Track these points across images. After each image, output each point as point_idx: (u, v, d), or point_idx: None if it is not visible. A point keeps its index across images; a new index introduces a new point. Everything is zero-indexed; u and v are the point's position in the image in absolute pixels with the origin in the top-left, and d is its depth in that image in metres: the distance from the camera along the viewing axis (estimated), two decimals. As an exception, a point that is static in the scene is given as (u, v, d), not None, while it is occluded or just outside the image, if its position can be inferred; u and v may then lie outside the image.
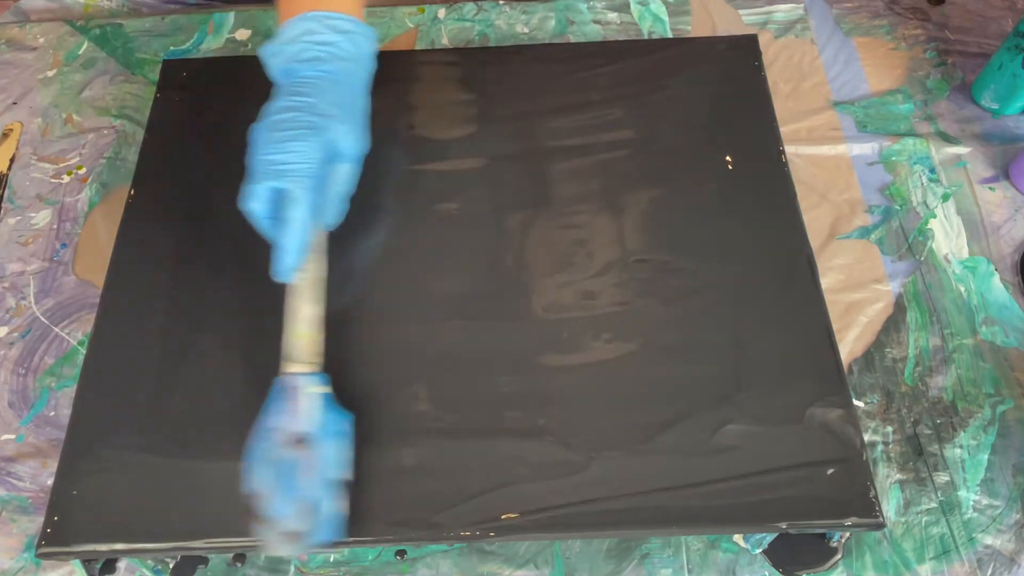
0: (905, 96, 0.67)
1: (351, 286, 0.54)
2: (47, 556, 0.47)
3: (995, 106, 0.65)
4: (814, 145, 0.64)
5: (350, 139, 0.48)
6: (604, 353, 0.51)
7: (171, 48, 0.72)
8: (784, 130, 0.62)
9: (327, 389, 0.46)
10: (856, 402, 0.53)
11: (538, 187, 0.58)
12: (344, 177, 0.49)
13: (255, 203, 0.46)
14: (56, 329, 0.58)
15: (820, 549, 0.49)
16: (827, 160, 0.64)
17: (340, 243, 0.54)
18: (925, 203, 0.61)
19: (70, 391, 0.55)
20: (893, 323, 0.57)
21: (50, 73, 0.71)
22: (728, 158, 0.59)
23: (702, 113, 0.61)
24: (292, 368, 0.46)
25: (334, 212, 0.49)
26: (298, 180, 0.45)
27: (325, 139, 0.46)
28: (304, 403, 0.44)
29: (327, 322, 0.49)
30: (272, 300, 0.54)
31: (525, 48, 0.66)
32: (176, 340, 0.53)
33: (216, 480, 0.48)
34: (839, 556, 0.49)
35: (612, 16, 0.72)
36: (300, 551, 0.45)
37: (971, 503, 0.50)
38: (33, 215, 0.63)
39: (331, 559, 0.50)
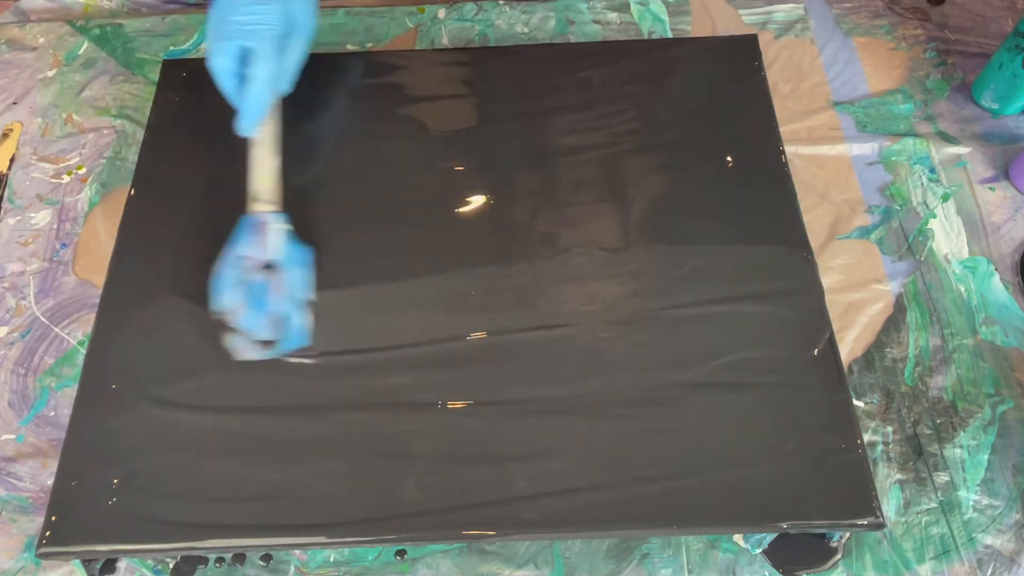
0: (905, 96, 0.67)
1: (359, 281, 0.54)
2: (47, 556, 0.47)
3: (995, 106, 0.65)
4: (814, 145, 0.64)
5: (307, 12, 0.52)
6: (604, 353, 0.51)
7: (171, 48, 0.72)
8: (784, 130, 0.62)
9: (289, 227, 0.52)
10: (856, 402, 0.53)
11: (538, 186, 0.58)
12: (299, 47, 0.52)
13: (223, 59, 0.50)
14: (56, 329, 0.58)
15: (820, 549, 0.49)
16: (827, 160, 0.64)
17: (348, 241, 0.54)
18: (925, 203, 0.61)
19: (70, 391, 0.55)
20: (893, 323, 0.57)
21: (50, 73, 0.71)
22: (728, 158, 0.59)
23: (702, 113, 0.61)
24: (259, 207, 0.52)
25: (288, 79, 0.53)
26: (265, 40, 0.49)
27: (286, 8, 0.50)
28: (272, 236, 0.51)
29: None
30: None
31: (525, 48, 0.66)
32: (176, 339, 0.53)
33: (216, 480, 0.48)
34: (839, 556, 0.49)
35: (612, 16, 0.72)
36: (269, 356, 0.51)
37: (971, 503, 0.50)
38: (33, 215, 0.63)
39: (331, 559, 0.50)
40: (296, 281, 0.52)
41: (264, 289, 0.50)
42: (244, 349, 0.50)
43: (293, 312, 0.51)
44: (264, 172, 0.52)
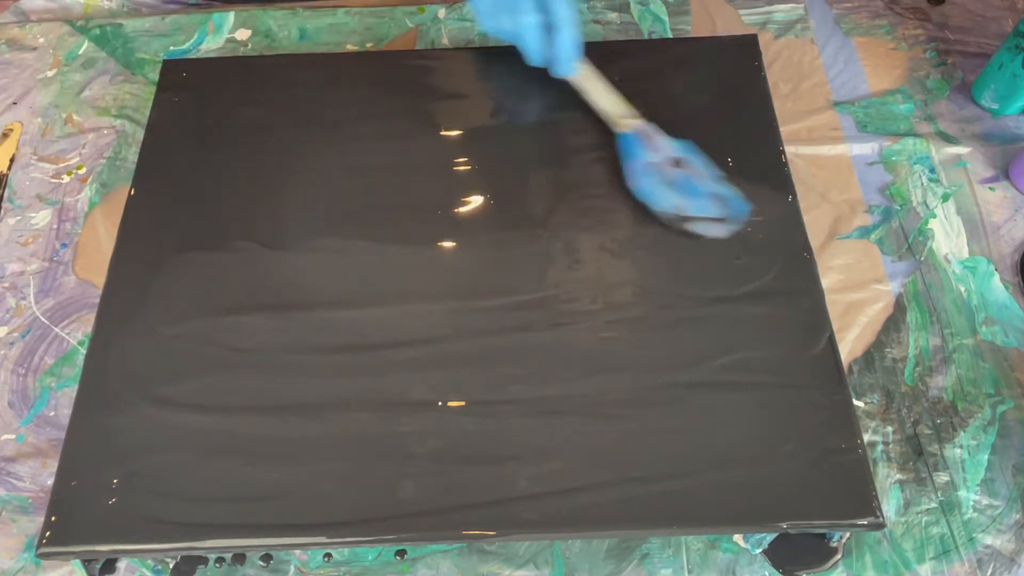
0: (905, 96, 0.67)
1: (359, 281, 0.54)
2: (47, 556, 0.47)
3: (995, 106, 0.65)
4: (814, 145, 0.64)
5: None
6: (604, 353, 0.51)
7: (171, 48, 0.72)
8: (784, 130, 0.62)
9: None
10: (856, 402, 0.53)
11: (538, 186, 0.58)
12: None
13: (527, 16, 0.54)
14: (56, 329, 0.58)
15: (820, 549, 0.49)
16: (827, 160, 0.64)
17: (348, 234, 0.54)
18: (925, 203, 0.61)
19: (70, 391, 0.55)
20: (893, 323, 0.57)
21: (50, 73, 0.71)
22: (728, 158, 0.59)
23: (702, 113, 0.61)
24: (628, 122, 0.57)
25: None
26: None
27: None
28: (662, 137, 0.56)
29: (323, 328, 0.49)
30: (272, 299, 0.54)
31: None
32: (176, 339, 0.53)
33: (216, 480, 0.48)
34: (839, 556, 0.49)
35: (612, 16, 0.72)
36: (730, 230, 0.55)
37: (971, 503, 0.50)
38: (33, 215, 0.63)
39: (331, 559, 0.50)
40: (703, 161, 0.56)
41: (686, 179, 0.55)
42: (712, 230, 0.54)
43: (722, 185, 0.56)
44: (611, 97, 0.58)
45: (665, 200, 0.55)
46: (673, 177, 0.55)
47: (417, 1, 0.74)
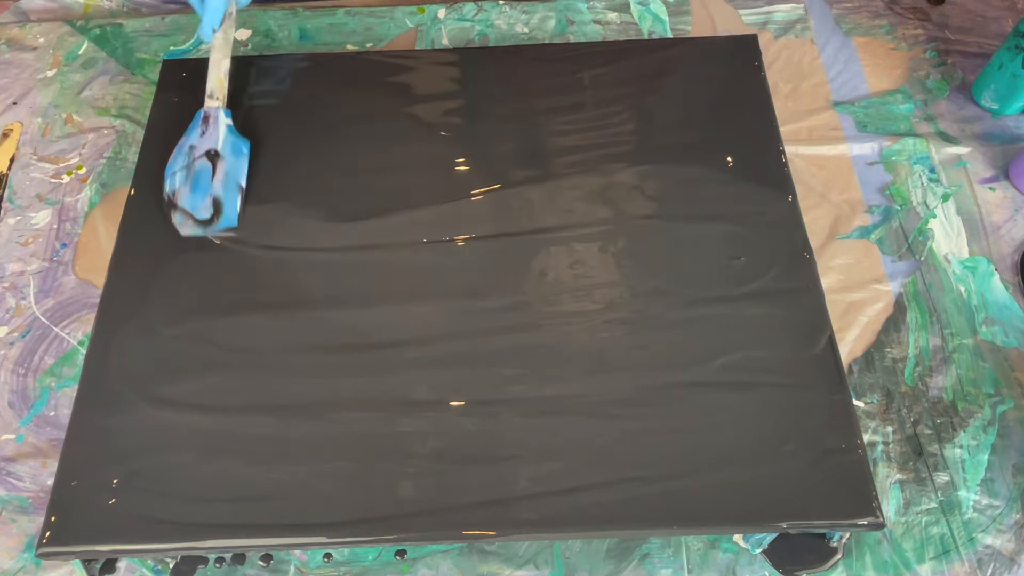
0: (905, 96, 0.67)
1: (359, 281, 0.54)
2: (47, 556, 0.47)
3: (995, 106, 0.65)
4: (814, 145, 0.64)
5: None
6: (604, 353, 0.51)
7: (171, 48, 0.72)
8: (784, 130, 0.62)
9: (230, 121, 0.59)
10: (856, 402, 0.53)
11: (538, 186, 0.58)
12: None
13: None
14: (56, 329, 0.58)
15: (820, 549, 0.49)
16: (827, 160, 0.64)
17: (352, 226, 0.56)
18: (925, 203, 0.61)
19: (70, 391, 0.55)
20: (893, 323, 0.57)
21: (50, 73, 0.71)
22: (728, 158, 0.59)
23: (702, 113, 0.61)
24: (212, 103, 0.58)
25: None
26: None
27: None
28: (219, 128, 0.58)
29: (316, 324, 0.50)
30: (271, 299, 0.54)
31: (525, 48, 0.66)
32: (176, 339, 0.53)
33: (216, 480, 0.48)
34: (839, 556, 0.49)
35: (612, 16, 0.72)
36: (205, 233, 0.57)
37: (971, 503, 0.50)
38: (33, 215, 0.63)
39: (331, 559, 0.50)
40: (233, 168, 0.58)
41: (204, 173, 0.57)
42: (185, 225, 0.57)
43: (228, 195, 0.57)
44: (219, 74, 0.59)
45: (170, 182, 0.57)
46: (196, 167, 0.57)
47: (417, 1, 0.74)
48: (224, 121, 0.58)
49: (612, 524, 0.47)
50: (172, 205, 0.57)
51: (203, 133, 0.58)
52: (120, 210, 0.59)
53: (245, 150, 0.59)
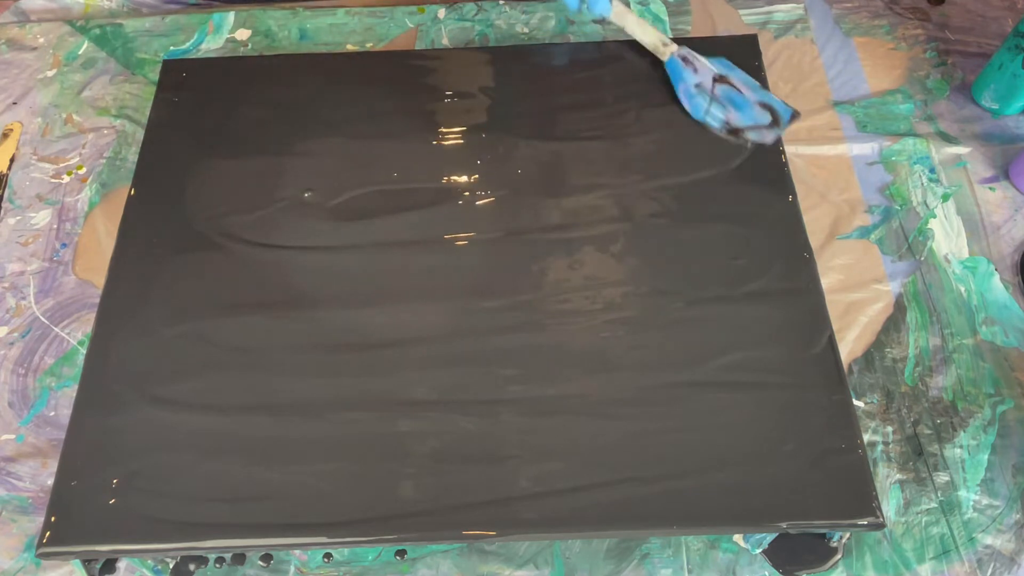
0: (905, 96, 0.67)
1: (359, 281, 0.54)
2: (47, 556, 0.47)
3: (995, 106, 0.65)
4: (814, 145, 0.64)
5: None
6: (604, 353, 0.51)
7: (171, 48, 0.72)
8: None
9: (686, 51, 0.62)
10: (856, 402, 0.53)
11: (538, 186, 0.58)
12: None
13: None
14: (56, 329, 0.58)
15: (820, 549, 0.49)
16: (827, 160, 0.64)
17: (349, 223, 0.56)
18: (925, 203, 0.61)
19: (70, 391, 0.55)
20: (893, 323, 0.57)
21: (50, 73, 0.71)
22: (728, 158, 0.59)
23: (702, 113, 0.61)
24: (670, 50, 0.62)
25: None
26: None
27: None
28: (700, 59, 0.61)
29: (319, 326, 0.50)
30: (272, 299, 0.54)
31: (526, 48, 0.66)
32: (176, 339, 0.53)
33: (216, 480, 0.48)
34: (839, 556, 0.49)
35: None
36: (779, 134, 0.59)
37: (971, 503, 0.50)
38: (33, 215, 0.63)
39: (331, 559, 0.50)
40: (740, 73, 0.61)
41: (731, 93, 0.60)
42: (763, 136, 0.59)
43: (765, 94, 0.60)
44: (647, 28, 0.63)
45: (716, 117, 0.60)
46: (719, 93, 0.59)
47: (417, 1, 0.74)
48: (694, 53, 0.61)
49: (612, 524, 0.47)
50: (735, 132, 0.59)
51: (695, 71, 0.61)
52: (120, 210, 0.59)
53: (727, 62, 0.62)
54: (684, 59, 0.61)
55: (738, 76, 0.61)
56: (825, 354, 0.51)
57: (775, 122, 0.59)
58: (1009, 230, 0.60)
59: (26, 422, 0.55)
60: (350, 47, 0.71)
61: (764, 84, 0.63)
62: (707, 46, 0.65)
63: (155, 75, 0.67)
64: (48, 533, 0.47)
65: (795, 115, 0.60)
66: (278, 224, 0.57)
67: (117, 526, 0.47)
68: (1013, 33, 0.62)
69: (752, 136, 0.59)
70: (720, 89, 0.60)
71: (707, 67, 0.61)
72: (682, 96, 0.61)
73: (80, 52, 0.72)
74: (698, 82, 0.60)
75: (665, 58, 0.62)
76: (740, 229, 0.56)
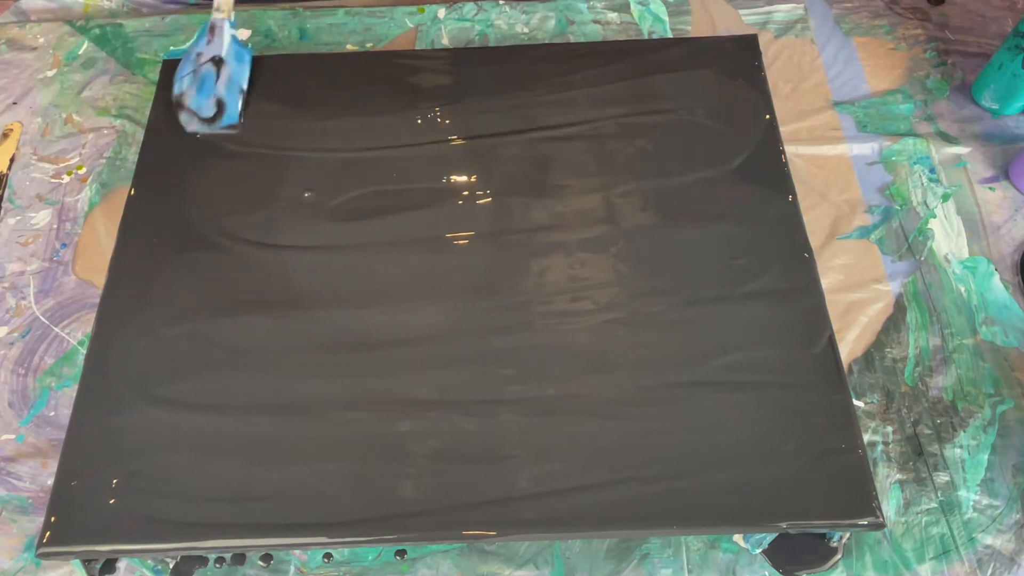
0: (905, 96, 0.67)
1: (360, 281, 0.54)
2: (47, 556, 0.47)
3: (995, 106, 0.65)
4: (814, 145, 0.64)
5: None
6: (604, 353, 0.51)
7: (171, 48, 0.72)
8: (784, 130, 0.62)
9: (236, 32, 0.64)
10: (856, 402, 0.53)
11: (538, 186, 0.58)
12: None
13: None
14: (56, 329, 0.58)
15: (820, 549, 0.49)
16: (827, 160, 0.64)
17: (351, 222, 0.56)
18: (925, 203, 0.61)
19: (70, 391, 0.55)
20: (893, 323, 0.57)
21: (50, 73, 0.71)
22: (728, 158, 0.59)
23: (702, 113, 0.61)
24: (219, 15, 0.63)
25: None
26: None
27: None
28: (224, 37, 0.62)
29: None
30: (271, 299, 0.54)
31: (526, 48, 0.66)
32: (176, 339, 0.53)
33: (216, 480, 0.48)
34: (839, 556, 0.49)
35: (612, 16, 0.72)
36: (210, 130, 0.62)
37: (971, 503, 0.50)
38: (33, 215, 0.63)
39: (331, 559, 0.50)
40: (236, 72, 0.62)
41: (212, 78, 0.62)
42: (191, 123, 0.62)
43: (231, 96, 0.62)
44: None
45: (178, 85, 0.62)
46: (202, 71, 0.62)
47: (417, 1, 0.74)
48: (228, 31, 0.63)
49: (612, 524, 0.47)
50: (179, 105, 0.61)
51: (209, 42, 0.62)
52: (120, 210, 0.59)
53: (247, 57, 0.63)
54: (212, 28, 0.63)
55: (236, 72, 0.62)
56: (825, 354, 0.51)
57: (212, 119, 0.61)
58: (1009, 230, 0.60)
59: (26, 422, 0.55)
60: (350, 47, 0.71)
61: (763, 84, 0.63)
62: (707, 46, 0.66)
63: (155, 75, 0.67)
64: (48, 533, 0.47)
65: (233, 127, 0.62)
66: (278, 224, 0.57)
67: (117, 526, 0.47)
68: (1013, 33, 0.62)
69: (182, 117, 0.61)
70: (205, 68, 0.62)
71: (218, 48, 0.62)
72: (184, 55, 0.63)
73: (80, 52, 0.72)
74: (200, 52, 0.62)
75: (212, 18, 0.63)
76: (740, 229, 0.56)
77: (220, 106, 0.61)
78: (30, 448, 0.54)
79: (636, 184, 0.58)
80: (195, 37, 0.64)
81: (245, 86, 0.63)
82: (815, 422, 0.49)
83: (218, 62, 0.62)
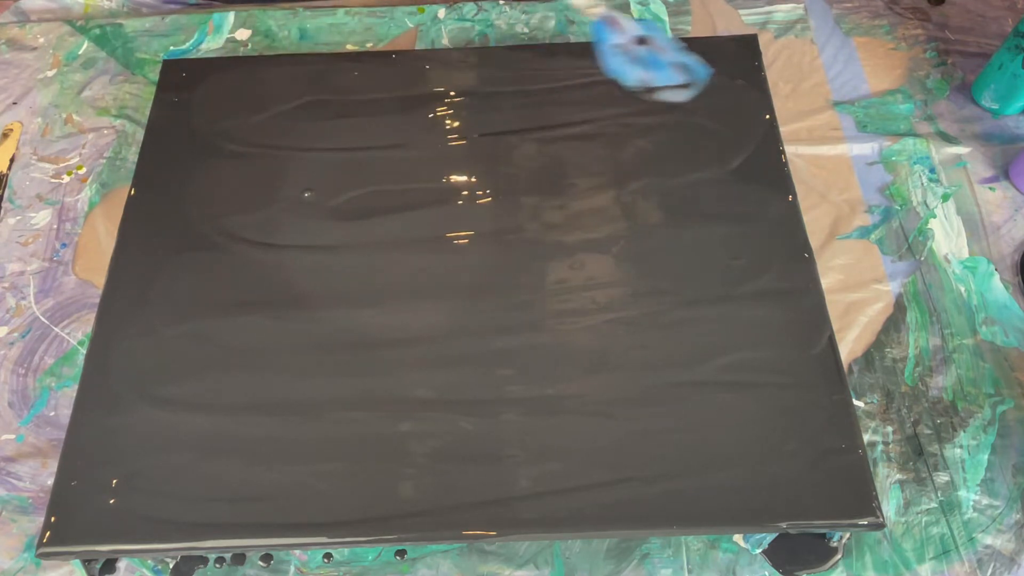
0: (905, 96, 0.67)
1: (360, 281, 0.54)
2: (47, 556, 0.47)
3: (995, 106, 0.65)
4: (814, 145, 0.64)
5: None
6: (604, 353, 0.51)
7: (171, 48, 0.72)
8: (784, 130, 0.62)
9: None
10: (856, 402, 0.53)
11: (538, 186, 0.58)
12: None
13: None
14: (56, 329, 0.58)
15: (820, 549, 0.49)
16: (827, 160, 0.64)
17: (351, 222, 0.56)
18: (925, 203, 0.61)
19: (70, 391, 0.55)
20: (893, 323, 0.57)
21: (50, 73, 0.71)
22: (728, 158, 0.59)
23: (702, 113, 0.61)
24: (595, 10, 0.61)
25: None
26: None
27: None
28: (624, 19, 0.60)
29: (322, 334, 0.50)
30: (272, 299, 0.54)
31: (526, 48, 0.66)
32: (176, 339, 0.53)
33: (216, 480, 0.48)
34: (839, 556, 0.49)
35: (612, 16, 0.72)
36: (695, 92, 0.59)
37: (971, 503, 0.50)
38: (33, 215, 0.63)
39: (331, 559, 0.50)
40: (665, 35, 0.61)
41: (650, 54, 0.59)
42: (677, 95, 0.59)
43: (684, 54, 0.60)
44: None
45: (630, 76, 0.59)
46: (638, 54, 0.59)
47: (417, 1, 0.74)
48: (621, 14, 0.61)
49: (612, 524, 0.47)
50: (650, 91, 0.60)
51: (616, 33, 0.60)
52: (120, 210, 0.59)
53: (654, 24, 0.64)
54: (609, 20, 0.61)
55: (661, 37, 0.61)
56: (825, 354, 0.51)
57: (689, 82, 0.60)
58: (1009, 230, 0.60)
59: (26, 422, 0.55)
60: (350, 47, 0.71)
61: (764, 84, 0.63)
62: (707, 46, 0.65)
63: (155, 75, 0.67)
64: (48, 533, 0.47)
65: (712, 75, 0.60)
66: (278, 224, 0.57)
67: (117, 526, 0.47)
68: (1013, 33, 0.62)
69: (665, 96, 0.60)
70: (640, 50, 0.60)
71: (632, 28, 0.61)
72: (602, 55, 0.61)
73: (80, 52, 0.72)
74: (617, 42, 0.60)
75: (592, 19, 0.63)
76: (740, 229, 0.56)
77: (683, 68, 0.60)
78: (30, 448, 0.54)
79: (636, 184, 0.58)
80: (596, 38, 0.61)
81: (682, 44, 0.62)
82: (815, 422, 0.49)
83: (641, 41, 0.60)
